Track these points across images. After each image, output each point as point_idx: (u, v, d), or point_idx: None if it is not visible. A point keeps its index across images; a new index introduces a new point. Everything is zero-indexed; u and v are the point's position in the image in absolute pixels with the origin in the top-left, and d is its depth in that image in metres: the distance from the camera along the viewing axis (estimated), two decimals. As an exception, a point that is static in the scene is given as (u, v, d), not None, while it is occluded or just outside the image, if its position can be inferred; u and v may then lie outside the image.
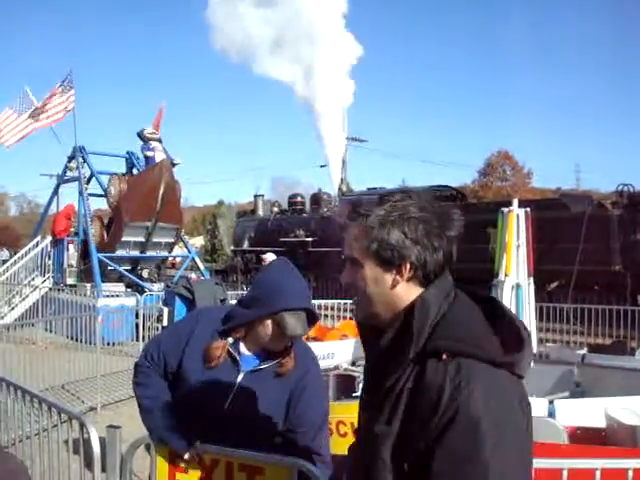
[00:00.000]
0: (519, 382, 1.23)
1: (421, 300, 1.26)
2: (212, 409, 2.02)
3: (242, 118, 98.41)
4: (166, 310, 9.72)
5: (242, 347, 2.08)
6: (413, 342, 1.22)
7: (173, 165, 14.35)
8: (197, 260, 16.18)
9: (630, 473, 2.22)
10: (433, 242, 1.26)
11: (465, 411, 1.13)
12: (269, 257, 10.41)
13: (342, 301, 11.69)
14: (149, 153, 14.31)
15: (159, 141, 14.63)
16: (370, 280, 1.30)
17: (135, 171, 15.59)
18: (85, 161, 14.83)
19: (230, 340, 2.05)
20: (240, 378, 2.04)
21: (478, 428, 1.12)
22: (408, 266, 1.27)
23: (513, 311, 4.90)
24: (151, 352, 2.14)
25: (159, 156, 14.08)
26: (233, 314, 2.09)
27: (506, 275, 4.99)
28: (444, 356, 1.19)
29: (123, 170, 16.01)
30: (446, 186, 18.41)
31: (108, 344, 8.37)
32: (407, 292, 1.28)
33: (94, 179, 15.28)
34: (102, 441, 2.35)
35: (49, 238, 14.94)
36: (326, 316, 11.98)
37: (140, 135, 14.66)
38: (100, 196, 15.69)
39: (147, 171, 14.12)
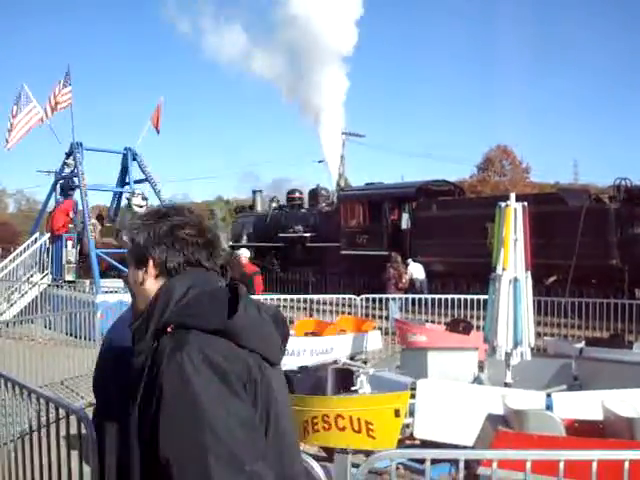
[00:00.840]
0: (245, 352, 1.31)
1: (162, 286, 1.40)
2: None
3: (241, 114, 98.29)
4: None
5: None
6: (151, 322, 1.34)
7: None
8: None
9: (626, 464, 2.23)
10: (175, 244, 1.42)
11: (178, 371, 1.23)
12: (243, 253, 10.19)
13: (340, 296, 11.67)
14: None
15: None
16: (131, 277, 1.48)
17: (128, 180, 15.86)
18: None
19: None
20: None
21: (189, 385, 1.21)
22: (151, 263, 1.43)
23: (511, 305, 4.95)
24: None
25: None
26: None
27: (504, 269, 4.99)
28: (169, 329, 1.32)
29: (117, 167, 16.16)
30: (444, 181, 18.40)
31: (107, 340, 8.35)
32: (155, 287, 1.42)
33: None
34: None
35: (47, 234, 14.93)
36: (324, 311, 11.98)
37: (129, 203, 15.25)
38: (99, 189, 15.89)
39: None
